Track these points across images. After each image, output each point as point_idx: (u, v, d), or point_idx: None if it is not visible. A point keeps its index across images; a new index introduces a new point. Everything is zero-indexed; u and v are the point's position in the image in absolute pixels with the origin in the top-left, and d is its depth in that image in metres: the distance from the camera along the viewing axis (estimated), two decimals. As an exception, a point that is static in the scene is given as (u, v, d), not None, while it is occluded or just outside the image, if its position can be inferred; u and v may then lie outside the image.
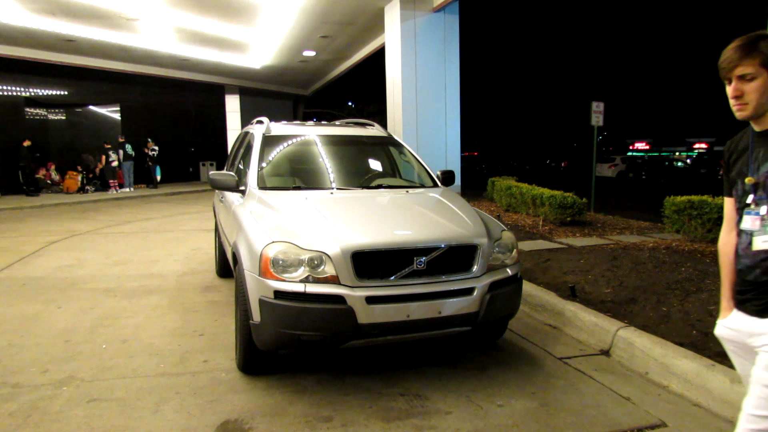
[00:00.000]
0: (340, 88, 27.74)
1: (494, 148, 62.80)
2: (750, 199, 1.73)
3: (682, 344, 3.40)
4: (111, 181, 17.10)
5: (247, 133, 5.31)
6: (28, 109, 17.79)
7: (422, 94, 9.84)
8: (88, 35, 12.86)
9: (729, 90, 1.68)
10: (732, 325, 1.81)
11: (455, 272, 3.22)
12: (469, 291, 3.19)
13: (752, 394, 1.69)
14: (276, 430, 2.72)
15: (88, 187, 17.11)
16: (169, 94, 21.19)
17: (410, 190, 4.31)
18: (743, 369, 1.83)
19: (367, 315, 2.95)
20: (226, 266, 5.36)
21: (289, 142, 4.74)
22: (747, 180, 1.73)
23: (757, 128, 1.73)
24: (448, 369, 3.47)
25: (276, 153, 4.58)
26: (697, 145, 46.71)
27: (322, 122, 5.90)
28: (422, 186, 4.51)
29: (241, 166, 4.87)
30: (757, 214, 1.70)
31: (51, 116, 18.85)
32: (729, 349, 1.87)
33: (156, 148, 18.30)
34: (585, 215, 8.77)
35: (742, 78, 1.64)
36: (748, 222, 1.73)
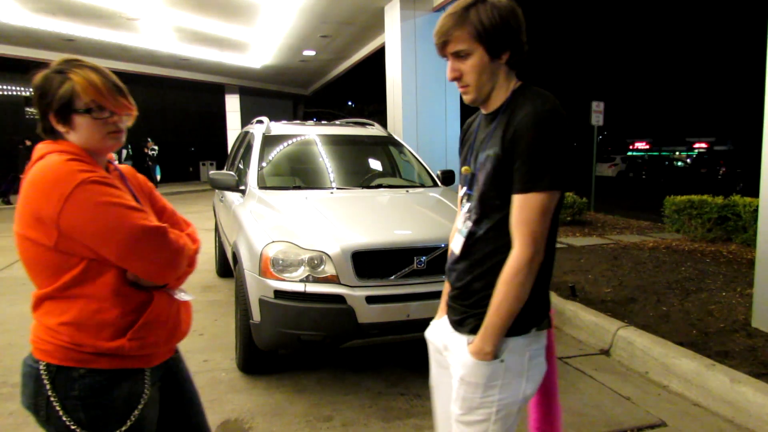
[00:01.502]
0: (340, 88, 27.75)
1: (494, 147, 62.75)
2: (462, 192, 1.50)
3: (682, 344, 3.40)
4: (111, 180, 17.12)
5: (247, 132, 5.31)
6: (28, 109, 17.79)
7: (422, 94, 9.83)
8: (88, 35, 12.85)
9: (447, 70, 1.40)
10: (437, 328, 1.61)
11: (455, 272, 3.22)
12: (469, 291, 3.18)
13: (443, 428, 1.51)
14: (276, 430, 2.72)
15: (88, 187, 17.13)
16: (169, 94, 21.18)
17: (410, 190, 4.31)
18: (436, 377, 1.63)
19: (367, 314, 2.95)
20: (226, 266, 5.36)
21: (289, 141, 4.74)
22: (463, 170, 1.50)
23: (484, 111, 1.46)
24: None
25: (276, 153, 4.57)
26: (697, 145, 46.69)
27: (322, 122, 5.90)
28: (422, 186, 4.50)
29: (241, 166, 4.87)
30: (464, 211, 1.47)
31: (51, 116, 18.86)
32: (430, 352, 1.65)
33: (156, 147, 18.30)
34: (585, 215, 8.78)
35: (456, 56, 1.36)
36: (459, 219, 1.49)
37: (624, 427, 2.75)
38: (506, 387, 1.38)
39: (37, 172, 1.20)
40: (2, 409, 2.94)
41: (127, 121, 1.37)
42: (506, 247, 1.34)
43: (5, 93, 16.98)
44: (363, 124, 5.41)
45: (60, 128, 1.29)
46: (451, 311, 1.52)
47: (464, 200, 1.48)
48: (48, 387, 1.24)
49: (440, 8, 9.74)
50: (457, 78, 1.39)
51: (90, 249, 1.19)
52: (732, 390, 2.83)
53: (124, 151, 17.22)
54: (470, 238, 1.42)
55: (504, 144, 1.32)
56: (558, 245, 6.69)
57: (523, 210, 1.29)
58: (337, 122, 5.88)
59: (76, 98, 1.26)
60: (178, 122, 22.09)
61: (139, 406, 1.29)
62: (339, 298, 2.95)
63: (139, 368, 1.31)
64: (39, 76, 1.30)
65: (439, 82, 9.98)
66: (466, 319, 1.43)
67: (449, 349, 1.50)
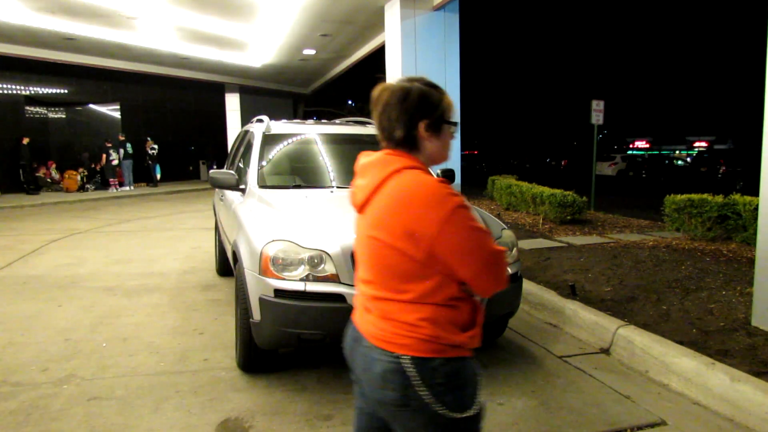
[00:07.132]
0: (340, 87, 27.67)
1: (494, 146, 62.74)
2: None
3: (682, 343, 3.41)
4: (111, 179, 17.10)
5: (247, 131, 5.31)
6: (28, 108, 17.76)
7: (422, 93, 9.84)
8: (88, 33, 12.84)
9: None
10: None
11: (455, 271, 3.21)
12: (469, 289, 3.18)
13: None
14: (276, 429, 2.72)
15: (88, 186, 17.11)
16: (169, 93, 21.15)
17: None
18: None
19: (367, 313, 2.95)
20: (227, 265, 5.36)
21: (289, 140, 4.74)
22: None
23: None
24: (448, 367, 3.47)
25: (276, 151, 4.57)
26: (697, 144, 46.66)
27: (322, 121, 5.89)
28: (422, 184, 4.50)
29: (241, 165, 4.86)
30: None
31: (51, 115, 18.82)
32: None
33: (155, 146, 18.28)
34: (585, 214, 8.77)
35: None
36: None
37: (624, 425, 2.75)
38: None
39: (408, 188, 1.32)
40: (3, 408, 2.94)
41: None
42: None
43: (5, 91, 16.96)
44: (363, 123, 5.41)
45: (423, 136, 1.41)
46: None
47: None
48: (416, 378, 1.34)
49: (440, 7, 9.74)
50: None
51: (447, 266, 1.31)
52: (732, 389, 2.84)
53: (122, 150, 17.19)
54: None
55: None
56: (558, 244, 6.70)
57: None
58: (337, 121, 5.88)
59: (447, 111, 1.44)
60: (178, 121, 22.07)
61: (479, 385, 1.43)
62: (339, 297, 2.94)
63: (470, 355, 1.45)
64: (418, 88, 1.43)
65: (439, 81, 9.93)
66: None
67: None
